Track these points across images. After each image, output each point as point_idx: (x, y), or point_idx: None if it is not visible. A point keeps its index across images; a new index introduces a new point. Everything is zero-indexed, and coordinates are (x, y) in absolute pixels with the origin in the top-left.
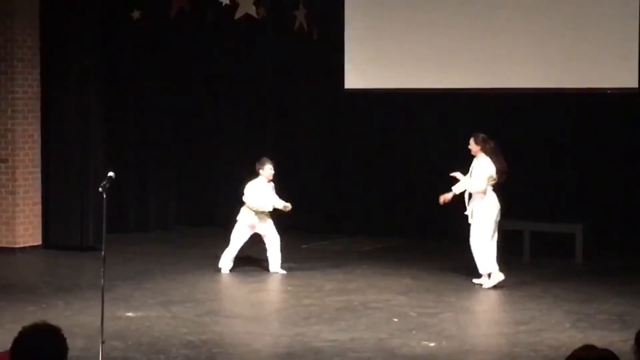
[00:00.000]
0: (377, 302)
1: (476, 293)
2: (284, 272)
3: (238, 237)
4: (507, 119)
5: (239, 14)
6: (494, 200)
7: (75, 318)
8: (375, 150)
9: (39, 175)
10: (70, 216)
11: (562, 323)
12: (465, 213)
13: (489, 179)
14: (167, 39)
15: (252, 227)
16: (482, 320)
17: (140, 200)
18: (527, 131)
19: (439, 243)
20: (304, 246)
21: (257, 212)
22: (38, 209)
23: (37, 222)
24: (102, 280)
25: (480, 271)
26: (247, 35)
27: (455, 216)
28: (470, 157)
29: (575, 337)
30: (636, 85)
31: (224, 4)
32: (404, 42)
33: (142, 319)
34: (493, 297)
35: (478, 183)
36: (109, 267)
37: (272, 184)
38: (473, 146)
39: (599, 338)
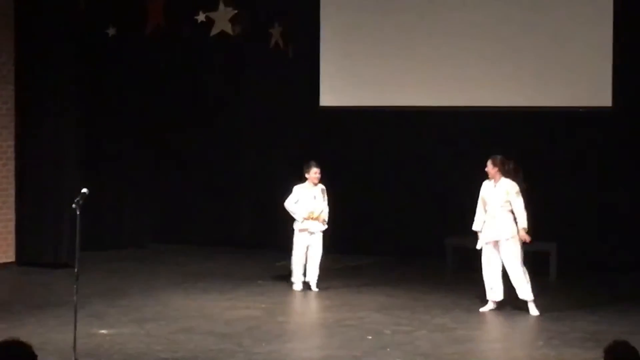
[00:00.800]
0: (351, 320)
1: (450, 311)
2: (317, 289)
3: (297, 245)
4: (482, 137)
5: (214, 31)
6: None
7: (48, 335)
8: (350, 168)
9: (13, 191)
10: (44, 233)
11: (535, 341)
12: (492, 239)
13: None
14: (144, 56)
15: (307, 231)
16: (456, 338)
17: (115, 217)
18: (501, 149)
19: (413, 261)
20: (278, 264)
21: (311, 217)
22: (12, 225)
23: (11, 238)
24: (75, 297)
25: (524, 297)
26: (223, 52)
27: (429, 235)
28: (457, 178)
29: (548, 355)
30: (610, 104)
31: (199, 21)
32: (379, 61)
33: (116, 337)
34: (467, 315)
35: (523, 209)
36: (83, 284)
37: (320, 186)
38: (491, 169)
39: (572, 356)
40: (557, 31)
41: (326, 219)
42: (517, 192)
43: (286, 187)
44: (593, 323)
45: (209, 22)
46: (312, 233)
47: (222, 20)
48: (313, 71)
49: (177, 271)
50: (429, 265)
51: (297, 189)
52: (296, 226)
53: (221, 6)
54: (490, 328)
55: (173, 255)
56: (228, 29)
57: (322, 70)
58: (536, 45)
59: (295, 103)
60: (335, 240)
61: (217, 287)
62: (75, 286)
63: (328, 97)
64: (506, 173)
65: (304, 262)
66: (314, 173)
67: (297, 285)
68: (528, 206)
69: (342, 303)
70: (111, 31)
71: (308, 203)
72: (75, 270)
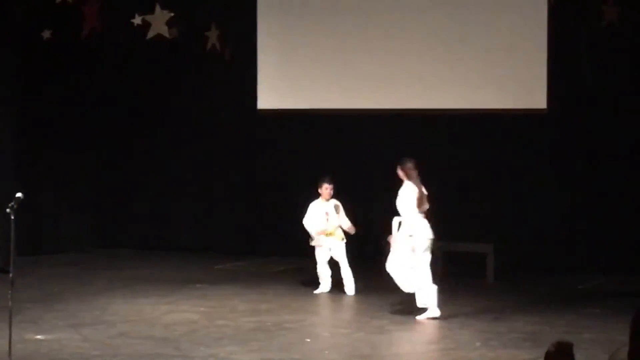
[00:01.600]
0: (291, 323)
1: (388, 313)
2: (353, 294)
3: (319, 258)
4: (418, 140)
5: (151, 34)
6: (426, 227)
7: None
8: (289, 171)
9: None
10: None
11: (473, 342)
12: (407, 244)
13: (416, 202)
14: (80, 60)
15: (324, 246)
16: (395, 339)
17: (53, 221)
18: (438, 152)
19: (352, 264)
20: (217, 267)
21: (325, 233)
22: None
23: None
24: (10, 303)
25: (421, 303)
26: (160, 55)
27: (371, 238)
28: (393, 182)
29: (486, 356)
30: (545, 107)
31: (136, 24)
32: (316, 63)
33: (52, 342)
34: (405, 317)
35: (404, 212)
36: (20, 290)
37: (333, 201)
38: (400, 172)
39: (510, 357)
40: (492, 34)
41: (351, 228)
42: (406, 198)
43: (225, 190)
44: (530, 323)
45: (146, 25)
46: (330, 249)
47: (159, 23)
48: (250, 74)
49: (115, 275)
50: (367, 267)
51: (311, 206)
52: (312, 243)
53: (158, 9)
54: (429, 330)
55: (112, 260)
56: (165, 32)
57: (260, 73)
58: (471, 48)
59: (233, 106)
60: (275, 243)
61: (156, 291)
62: (10, 291)
63: (266, 100)
64: (412, 178)
65: (330, 273)
66: (325, 189)
67: (323, 288)
68: (462, 208)
69: (281, 306)
70: (46, 34)
71: (319, 220)
72: (10, 275)
